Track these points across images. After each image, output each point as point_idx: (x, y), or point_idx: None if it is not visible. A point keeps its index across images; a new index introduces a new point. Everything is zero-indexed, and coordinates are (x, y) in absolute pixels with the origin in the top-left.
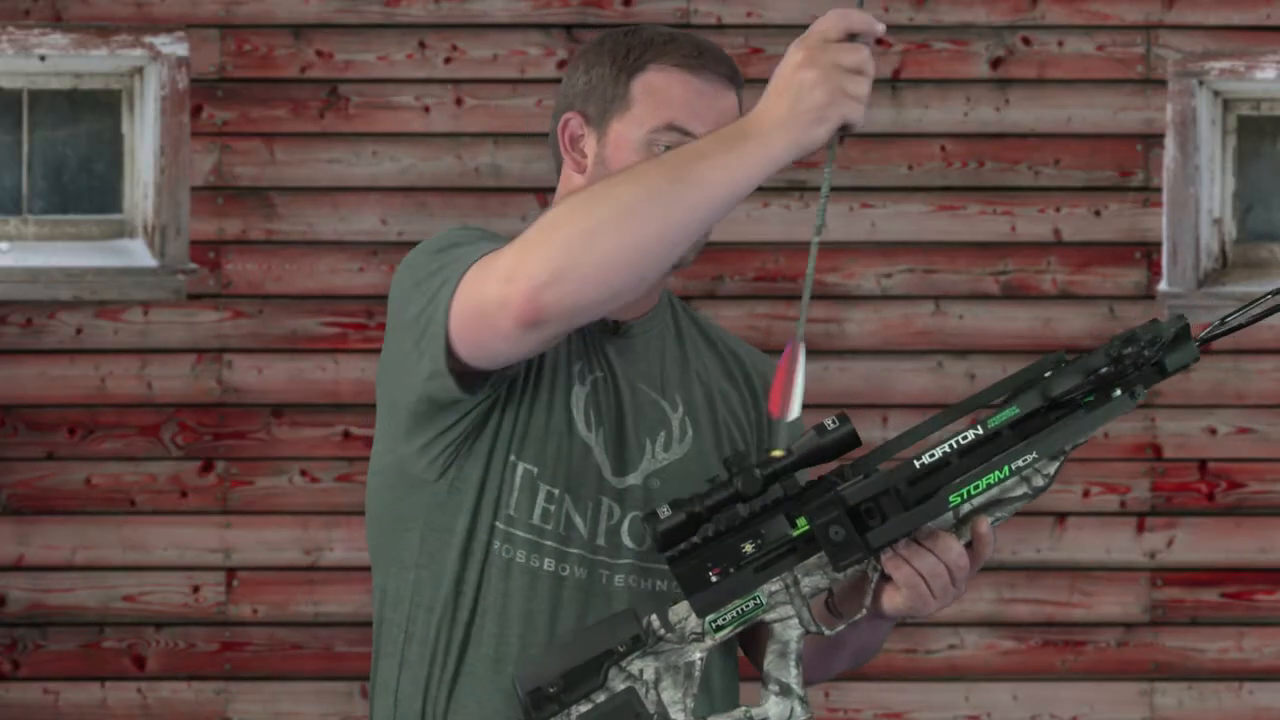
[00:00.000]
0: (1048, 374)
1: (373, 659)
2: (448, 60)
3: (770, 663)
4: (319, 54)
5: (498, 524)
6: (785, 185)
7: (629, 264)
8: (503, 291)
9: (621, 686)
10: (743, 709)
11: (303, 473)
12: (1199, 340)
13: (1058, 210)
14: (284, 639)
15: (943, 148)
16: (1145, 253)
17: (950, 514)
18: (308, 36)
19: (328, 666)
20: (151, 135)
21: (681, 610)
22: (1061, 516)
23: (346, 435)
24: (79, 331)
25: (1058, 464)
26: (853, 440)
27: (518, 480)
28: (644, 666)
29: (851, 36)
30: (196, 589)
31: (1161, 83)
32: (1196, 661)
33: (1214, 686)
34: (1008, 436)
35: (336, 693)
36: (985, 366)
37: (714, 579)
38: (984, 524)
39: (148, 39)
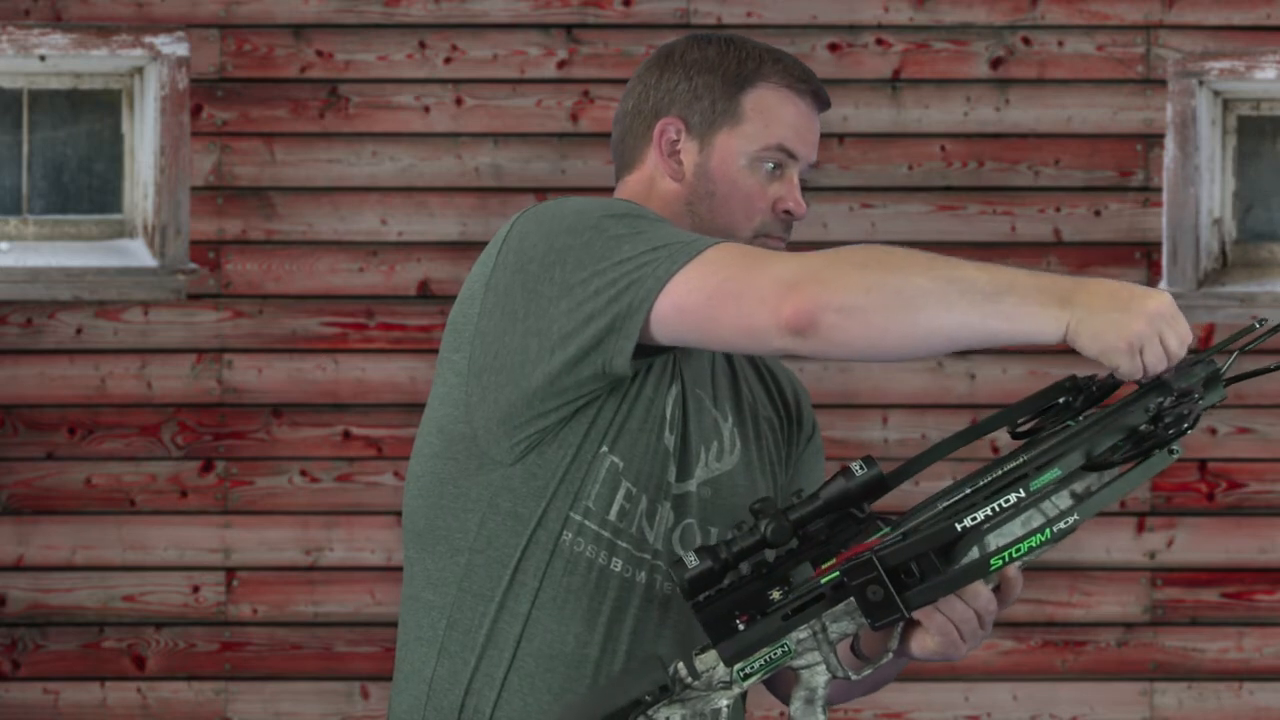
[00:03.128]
0: (1064, 400)
1: (399, 641)
2: (448, 60)
3: (797, 709)
4: (319, 54)
5: (572, 514)
6: None
7: (907, 340)
8: (787, 290)
9: None
10: None
11: (302, 473)
12: (1226, 382)
13: (1058, 210)
14: (284, 639)
15: (943, 148)
16: (1145, 253)
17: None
18: (308, 36)
19: (328, 666)
20: (151, 135)
21: (710, 659)
22: None
23: (346, 435)
24: (79, 331)
25: (1084, 520)
26: (879, 485)
27: (603, 472)
28: (670, 715)
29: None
30: (196, 589)
31: (1161, 83)
32: (1196, 661)
33: (1214, 686)
34: (1042, 491)
35: (336, 693)
36: (985, 367)
37: (741, 626)
38: (1012, 569)
39: (148, 39)
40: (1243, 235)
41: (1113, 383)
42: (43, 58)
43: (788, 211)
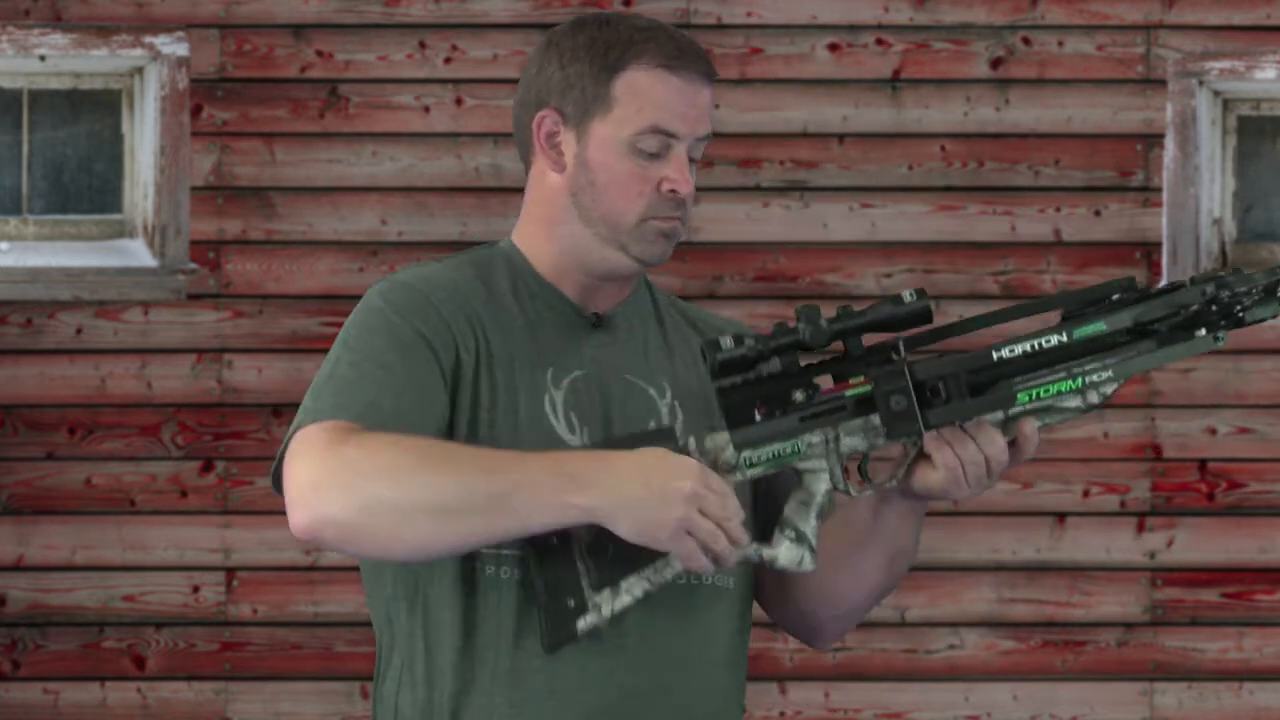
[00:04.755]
0: (1117, 296)
1: (375, 677)
2: (448, 60)
3: (791, 509)
4: (319, 54)
5: (483, 549)
6: (785, 186)
7: (417, 546)
8: (294, 502)
9: None
10: (754, 545)
11: None
12: None
13: (1058, 210)
14: (284, 639)
15: (943, 148)
16: (1145, 253)
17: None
18: (308, 36)
19: (328, 666)
20: (151, 135)
21: (720, 440)
22: (1061, 516)
23: None
24: (79, 331)
25: (1116, 385)
26: (926, 317)
27: None
28: None
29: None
30: (196, 589)
31: (1161, 83)
32: (1196, 661)
33: (1214, 686)
34: (1080, 347)
35: (336, 693)
36: None
37: (759, 417)
38: (1030, 424)
39: (148, 39)
40: (1243, 235)
41: (1170, 287)
42: (43, 58)
43: (673, 191)
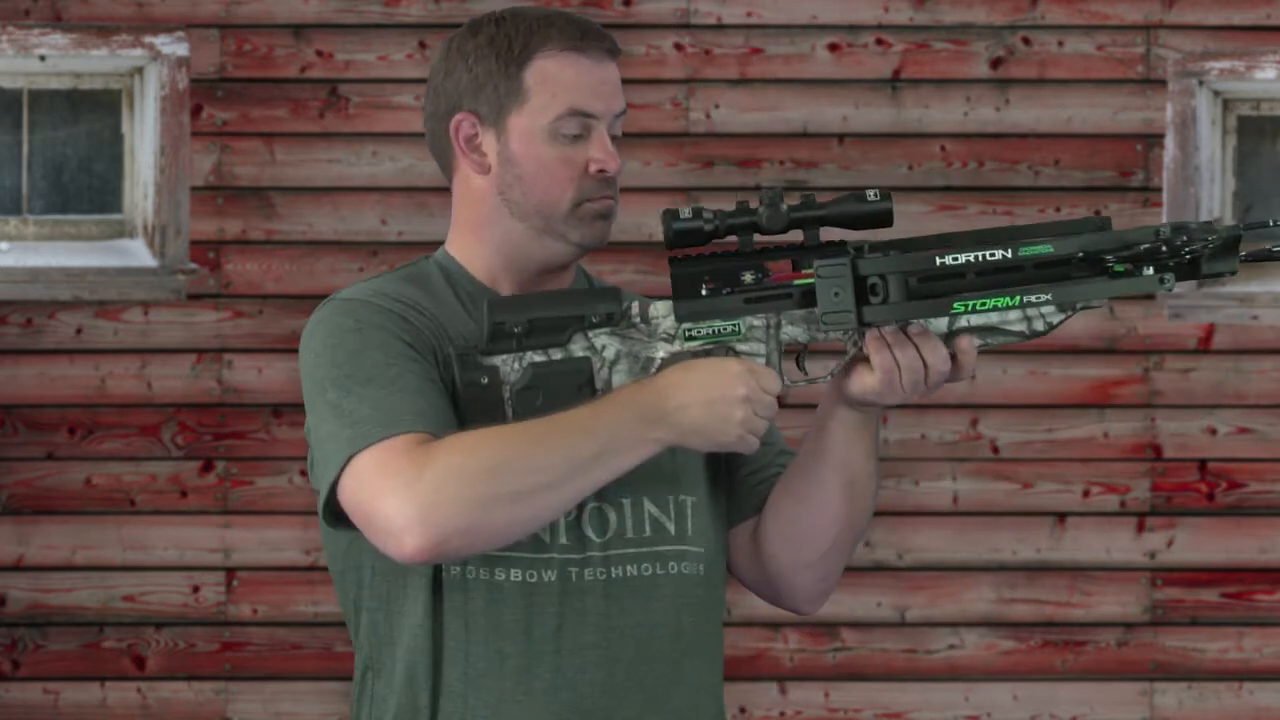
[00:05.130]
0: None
1: (354, 691)
2: None
3: None
4: (319, 54)
5: None
6: (785, 186)
7: (540, 520)
8: (404, 529)
9: (580, 353)
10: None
11: (302, 473)
12: (1243, 257)
13: (1058, 210)
14: (284, 639)
15: (943, 148)
16: None
17: (946, 320)
18: (308, 36)
19: (328, 666)
20: (151, 135)
21: (662, 308)
22: (1061, 516)
23: None
24: (79, 331)
25: (1062, 316)
26: (886, 218)
27: None
28: (608, 344)
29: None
30: (196, 589)
31: (1161, 83)
32: (1196, 661)
33: (1214, 686)
34: (1030, 273)
35: (336, 693)
36: (985, 367)
37: (705, 292)
38: (968, 340)
39: (148, 39)
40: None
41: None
42: (43, 58)
43: (601, 170)
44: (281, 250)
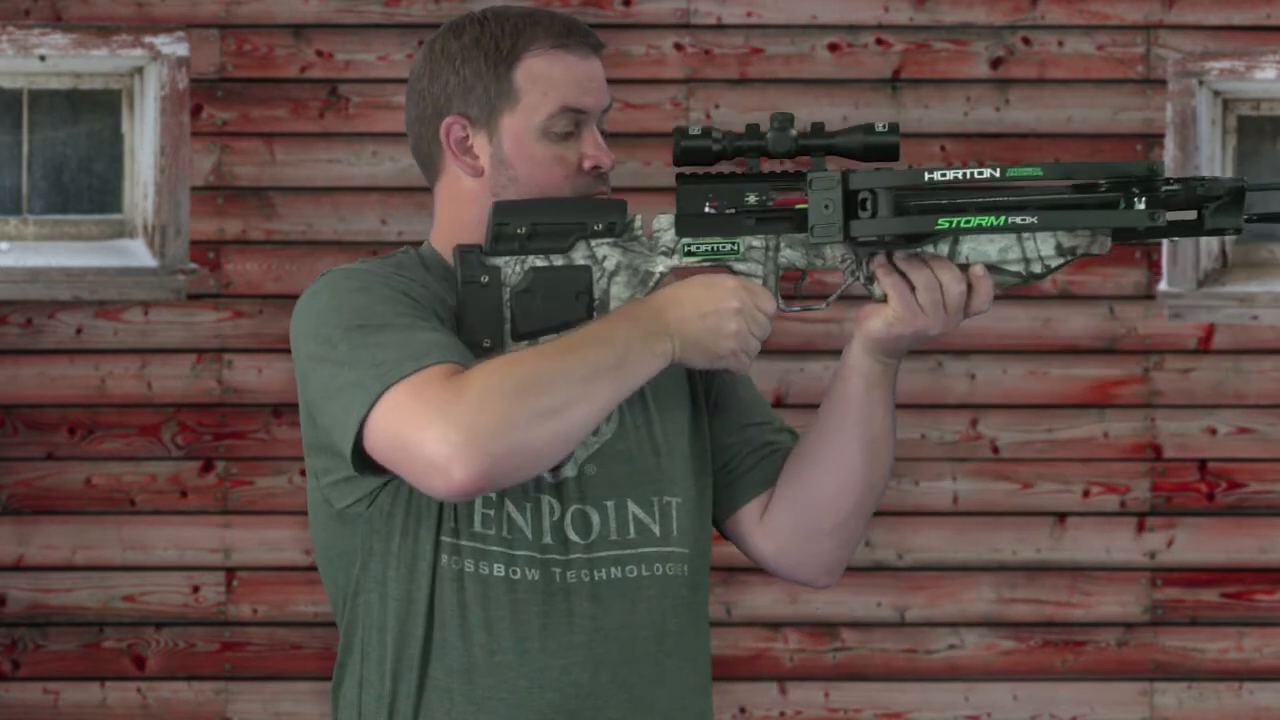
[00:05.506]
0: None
1: (334, 679)
2: None
3: None
4: (319, 54)
5: (443, 538)
6: None
7: (575, 438)
8: (450, 457)
9: (581, 261)
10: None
11: (302, 473)
12: (1249, 218)
13: None
14: (284, 639)
15: (943, 148)
16: (1145, 253)
17: (946, 248)
18: (308, 36)
19: (328, 666)
20: (151, 135)
21: (664, 222)
22: (1061, 516)
23: None
24: (79, 331)
25: (1060, 261)
26: (893, 151)
27: None
28: (609, 254)
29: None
30: (196, 589)
31: (1161, 83)
32: (1196, 661)
33: (1214, 686)
34: (1016, 192)
35: None
36: (985, 367)
37: (708, 209)
38: (979, 269)
39: (148, 39)
40: (1243, 235)
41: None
42: (43, 58)
43: (596, 166)
44: (281, 250)
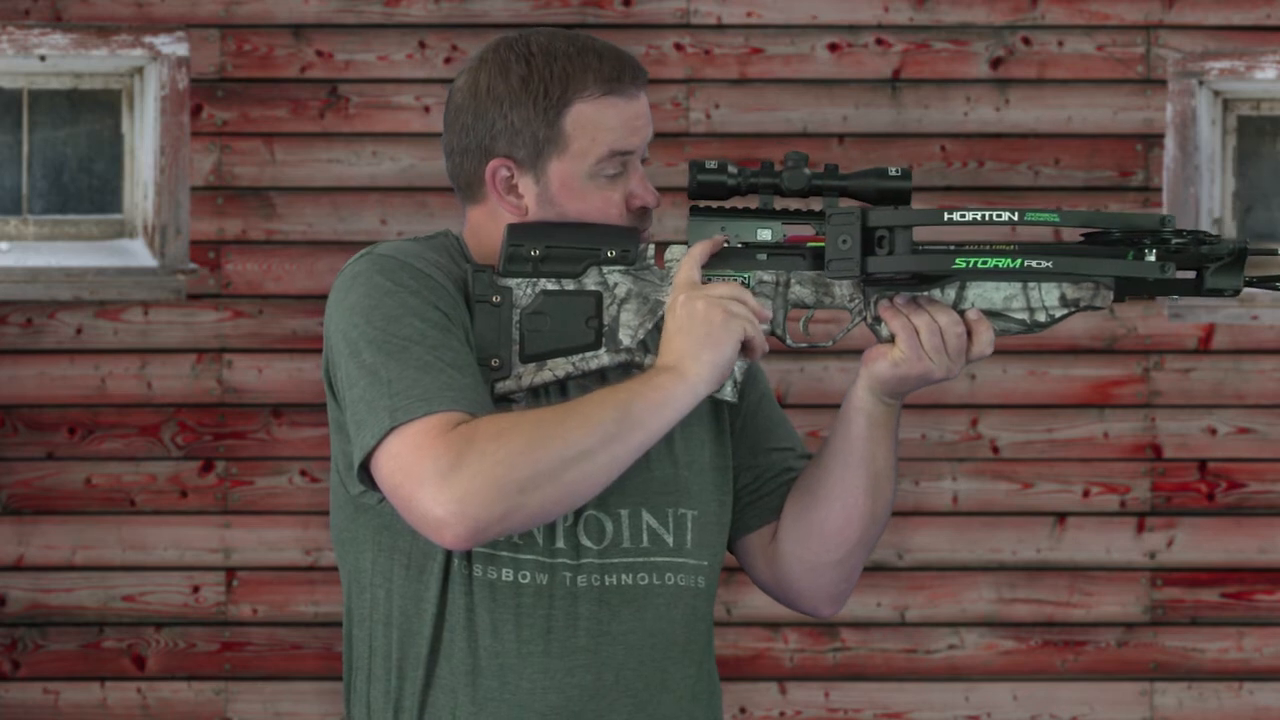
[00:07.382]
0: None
1: (344, 671)
2: (448, 60)
3: None
4: (319, 54)
5: None
6: None
7: (575, 499)
8: (443, 521)
9: (592, 286)
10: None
11: (302, 473)
12: (1247, 281)
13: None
14: (284, 639)
15: (943, 148)
16: None
17: (953, 295)
18: (308, 36)
19: (328, 666)
20: (151, 135)
21: (676, 252)
22: (1061, 516)
23: None
24: (79, 331)
25: (1064, 312)
26: (905, 196)
27: None
28: (620, 282)
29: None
30: (196, 589)
31: (1161, 83)
32: (1196, 661)
33: (1214, 686)
34: (1034, 249)
35: (336, 693)
36: (985, 367)
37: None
38: (975, 312)
39: (148, 39)
40: (1243, 235)
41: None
42: (43, 58)
43: (643, 206)
44: (281, 250)
